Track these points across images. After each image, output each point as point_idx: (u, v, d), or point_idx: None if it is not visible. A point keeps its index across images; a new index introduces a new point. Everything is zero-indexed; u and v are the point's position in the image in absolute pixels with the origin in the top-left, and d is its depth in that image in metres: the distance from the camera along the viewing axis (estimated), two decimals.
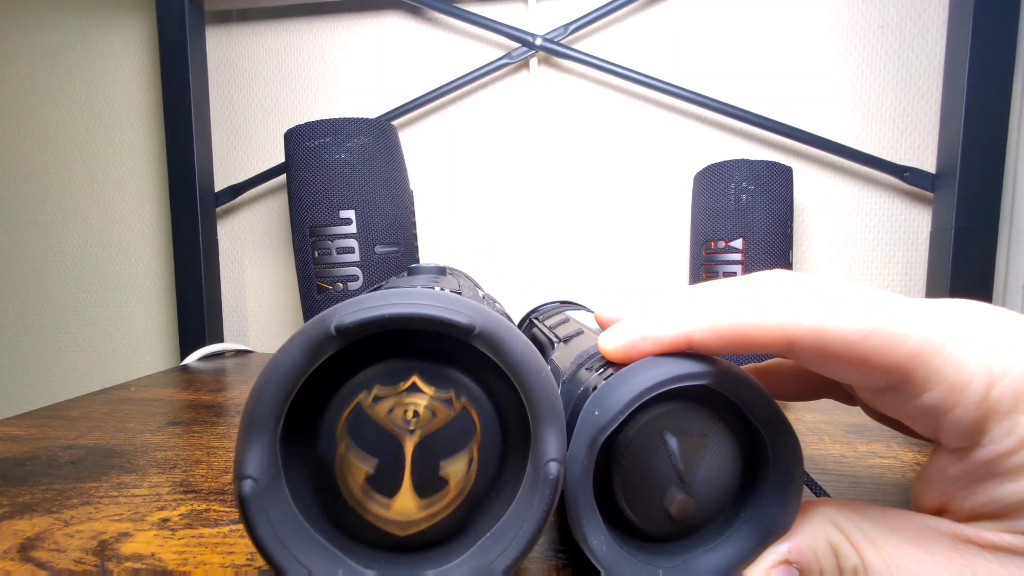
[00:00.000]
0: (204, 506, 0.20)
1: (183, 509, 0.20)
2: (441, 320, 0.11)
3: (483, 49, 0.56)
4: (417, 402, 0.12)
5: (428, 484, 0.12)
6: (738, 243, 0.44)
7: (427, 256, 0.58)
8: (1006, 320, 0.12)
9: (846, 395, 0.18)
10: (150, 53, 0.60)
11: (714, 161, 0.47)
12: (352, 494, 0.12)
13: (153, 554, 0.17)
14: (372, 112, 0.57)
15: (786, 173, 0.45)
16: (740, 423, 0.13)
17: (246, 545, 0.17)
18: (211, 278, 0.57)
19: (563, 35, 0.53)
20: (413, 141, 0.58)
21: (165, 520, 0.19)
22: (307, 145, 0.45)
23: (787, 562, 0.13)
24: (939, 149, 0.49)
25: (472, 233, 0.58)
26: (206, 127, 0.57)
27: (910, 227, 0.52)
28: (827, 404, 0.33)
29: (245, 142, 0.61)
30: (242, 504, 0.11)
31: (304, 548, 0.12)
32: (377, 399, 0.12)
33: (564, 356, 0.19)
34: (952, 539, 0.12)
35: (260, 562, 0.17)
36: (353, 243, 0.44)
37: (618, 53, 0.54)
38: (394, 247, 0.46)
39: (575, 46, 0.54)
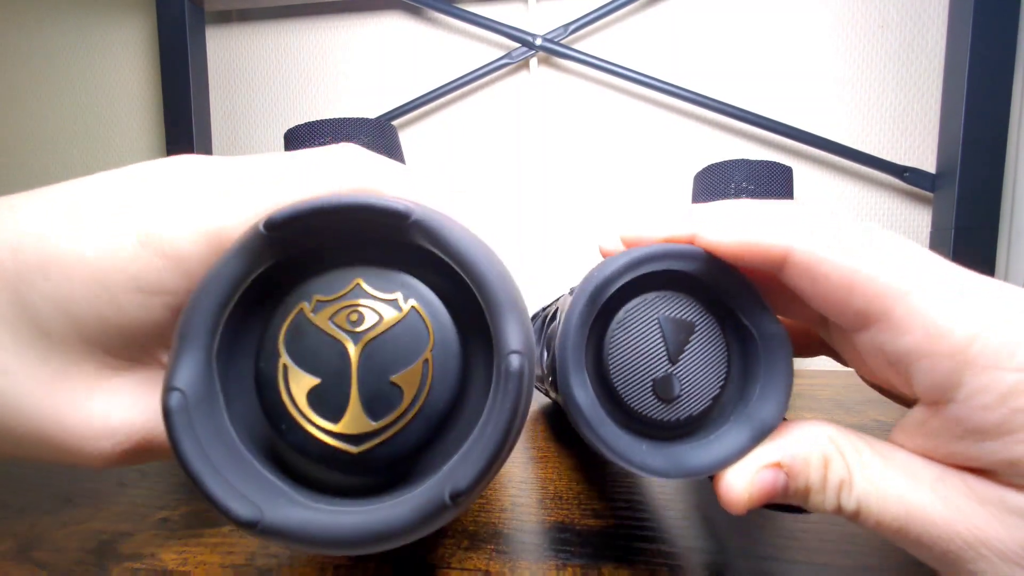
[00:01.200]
0: (204, 506, 0.20)
1: (183, 509, 0.20)
2: (373, 206, 0.11)
3: (483, 49, 0.56)
4: (360, 305, 0.11)
5: (378, 395, 0.11)
6: None
7: None
8: (1017, 291, 0.12)
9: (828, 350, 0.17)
10: (150, 53, 0.60)
11: (714, 161, 0.47)
12: (298, 409, 0.11)
13: (153, 554, 0.17)
14: (372, 112, 0.57)
15: (786, 173, 0.45)
16: (733, 326, 0.14)
17: (246, 545, 0.17)
18: None
19: (563, 35, 0.53)
20: (413, 141, 0.58)
21: (165, 520, 0.19)
22: (307, 145, 0.45)
23: (778, 465, 0.12)
24: (939, 149, 0.49)
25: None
26: (206, 127, 0.57)
27: (910, 227, 0.52)
28: (827, 404, 0.33)
29: (245, 142, 0.61)
30: (167, 418, 0.10)
31: (243, 478, 0.11)
32: (320, 305, 0.11)
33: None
34: (940, 474, 0.12)
35: (261, 562, 0.16)
36: None
37: (618, 53, 0.54)
38: None
39: (575, 46, 0.54)
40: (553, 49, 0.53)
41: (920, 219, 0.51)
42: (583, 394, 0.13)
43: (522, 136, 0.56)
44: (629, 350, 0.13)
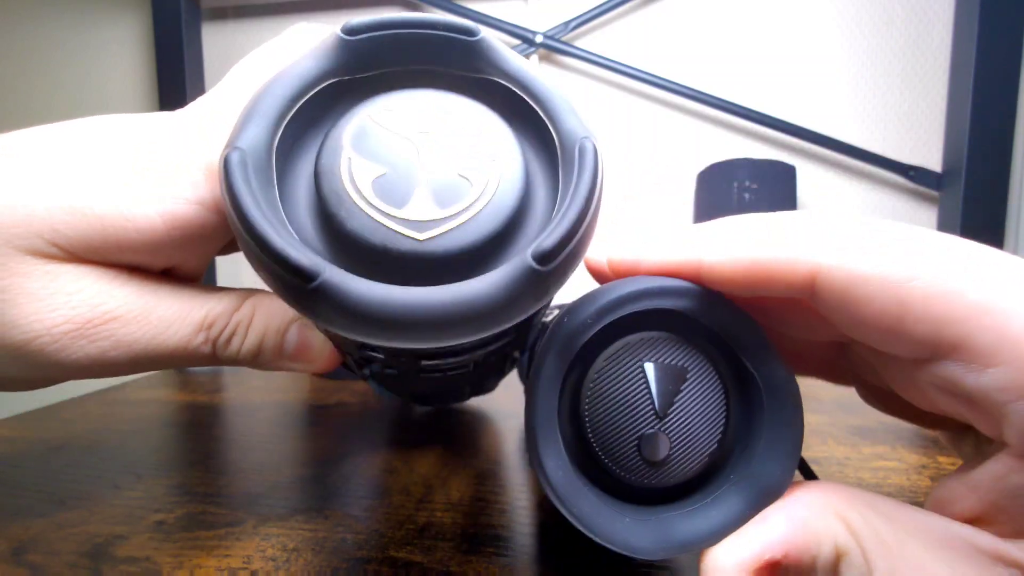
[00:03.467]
0: (200, 508, 0.20)
1: (179, 512, 0.20)
2: (444, 23, 0.11)
3: None
4: (429, 111, 0.11)
5: (446, 185, 0.11)
6: None
7: None
8: None
9: (832, 369, 0.15)
10: (146, 51, 0.60)
11: (717, 160, 0.47)
12: (360, 194, 0.10)
13: (148, 557, 0.17)
14: None
15: (789, 172, 0.45)
16: (733, 367, 0.12)
17: (242, 548, 0.17)
18: (208, 279, 0.56)
19: (563, 32, 0.53)
20: None
21: (161, 523, 0.19)
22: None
23: (774, 563, 0.10)
24: (945, 147, 0.49)
25: None
26: None
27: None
28: (830, 406, 0.33)
29: None
30: (226, 169, 0.10)
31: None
32: (387, 111, 0.11)
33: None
34: (991, 559, 0.09)
35: (257, 565, 0.16)
36: None
37: (619, 50, 0.53)
38: None
39: (576, 43, 0.54)
40: (553, 46, 0.53)
41: (926, 218, 0.51)
42: (555, 466, 0.11)
43: None
44: (609, 406, 0.12)
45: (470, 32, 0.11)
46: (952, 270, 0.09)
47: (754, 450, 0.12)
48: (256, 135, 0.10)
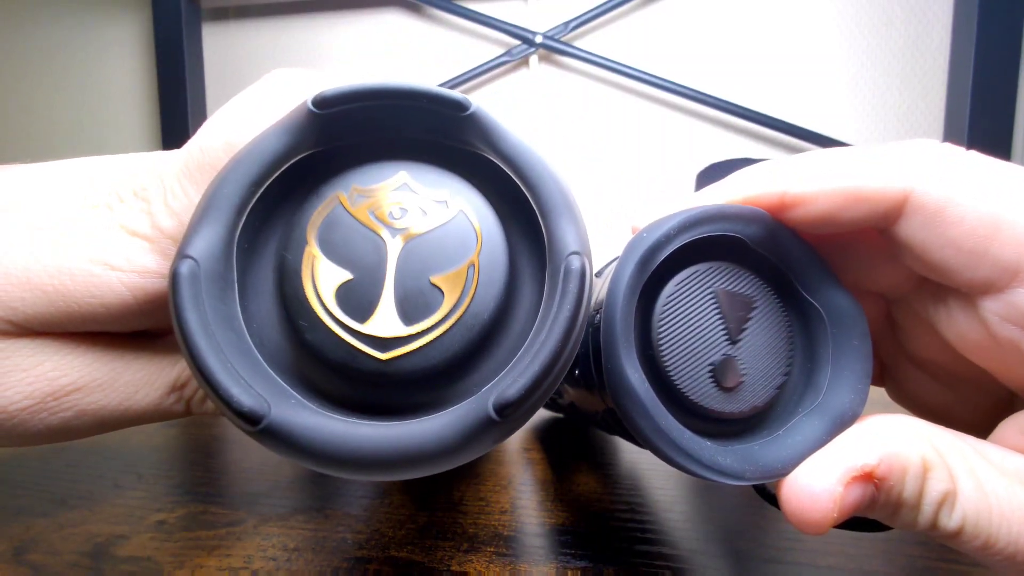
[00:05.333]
0: (201, 508, 0.20)
1: (180, 511, 0.20)
2: (430, 94, 0.10)
3: (483, 47, 0.56)
4: (404, 200, 0.10)
5: (415, 296, 0.10)
6: None
7: None
8: None
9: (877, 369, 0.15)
10: (146, 51, 0.60)
11: (716, 160, 0.47)
12: (322, 304, 0.10)
13: (149, 557, 0.17)
14: None
15: None
16: (794, 302, 0.12)
17: (243, 547, 0.17)
18: None
19: (563, 32, 0.53)
20: None
21: (162, 522, 0.19)
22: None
23: (869, 475, 0.10)
24: None
25: None
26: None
27: None
28: None
29: None
30: (174, 284, 0.09)
31: (250, 373, 0.09)
32: (359, 196, 0.10)
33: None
34: None
35: (258, 564, 0.16)
36: None
37: (619, 50, 0.53)
38: None
39: (575, 43, 0.54)
40: (553, 46, 0.53)
41: None
42: (636, 377, 0.11)
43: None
44: (682, 329, 0.11)
45: (460, 106, 0.10)
46: None
47: (820, 381, 0.12)
48: (212, 235, 0.10)
